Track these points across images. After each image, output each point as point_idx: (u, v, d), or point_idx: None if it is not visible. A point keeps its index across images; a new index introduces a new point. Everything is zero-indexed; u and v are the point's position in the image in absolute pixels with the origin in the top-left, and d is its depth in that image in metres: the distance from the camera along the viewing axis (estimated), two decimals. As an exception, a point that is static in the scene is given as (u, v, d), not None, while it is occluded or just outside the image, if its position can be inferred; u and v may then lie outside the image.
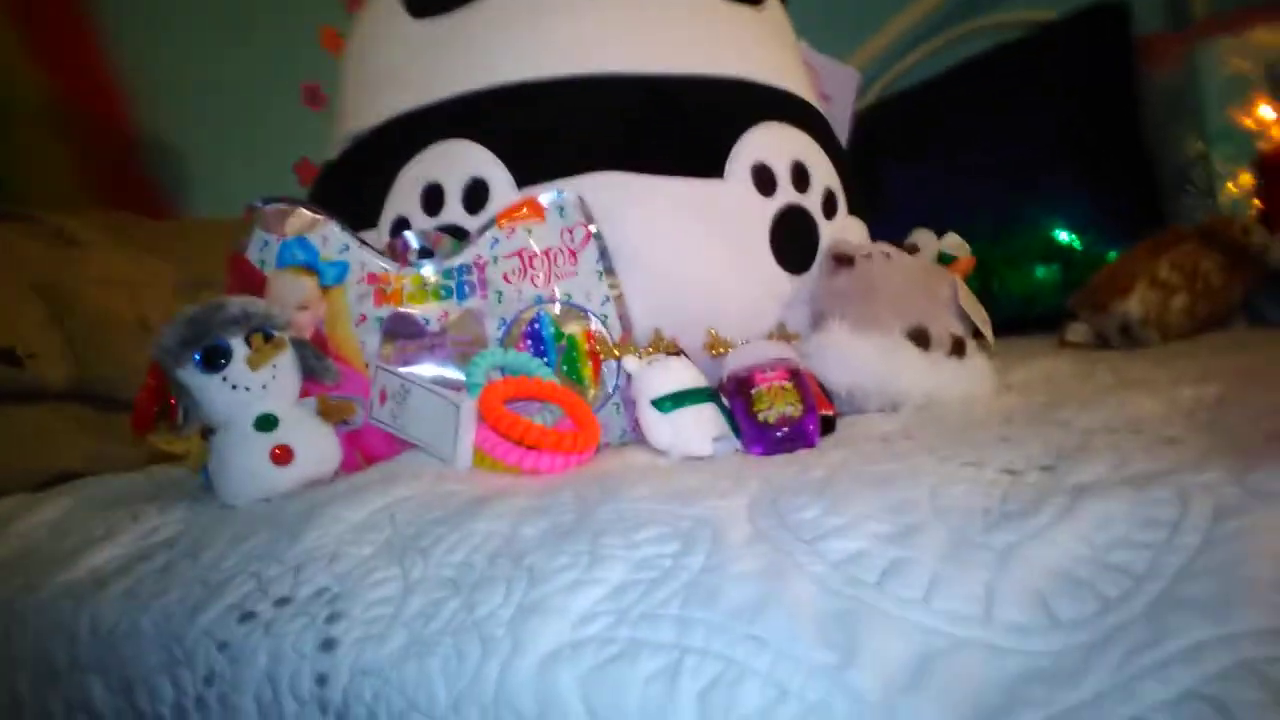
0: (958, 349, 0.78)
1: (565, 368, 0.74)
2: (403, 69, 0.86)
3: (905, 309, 0.78)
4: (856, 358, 0.74)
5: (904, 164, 1.44)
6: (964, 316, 0.80)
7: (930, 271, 0.82)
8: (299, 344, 0.63)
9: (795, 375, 0.70)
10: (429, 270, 0.73)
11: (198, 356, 0.59)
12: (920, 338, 0.76)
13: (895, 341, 0.76)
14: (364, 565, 0.46)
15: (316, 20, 1.81)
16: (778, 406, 0.67)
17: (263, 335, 0.61)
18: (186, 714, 0.42)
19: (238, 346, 0.60)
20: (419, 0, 0.87)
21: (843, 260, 0.80)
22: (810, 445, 0.66)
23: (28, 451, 0.70)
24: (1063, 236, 1.22)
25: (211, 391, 0.60)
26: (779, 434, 0.66)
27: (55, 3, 1.42)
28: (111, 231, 0.92)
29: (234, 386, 0.60)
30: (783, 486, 0.47)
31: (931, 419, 0.68)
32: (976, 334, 0.82)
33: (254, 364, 0.60)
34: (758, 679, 0.31)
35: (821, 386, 0.74)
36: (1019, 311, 1.21)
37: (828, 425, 0.70)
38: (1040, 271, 1.21)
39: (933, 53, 1.61)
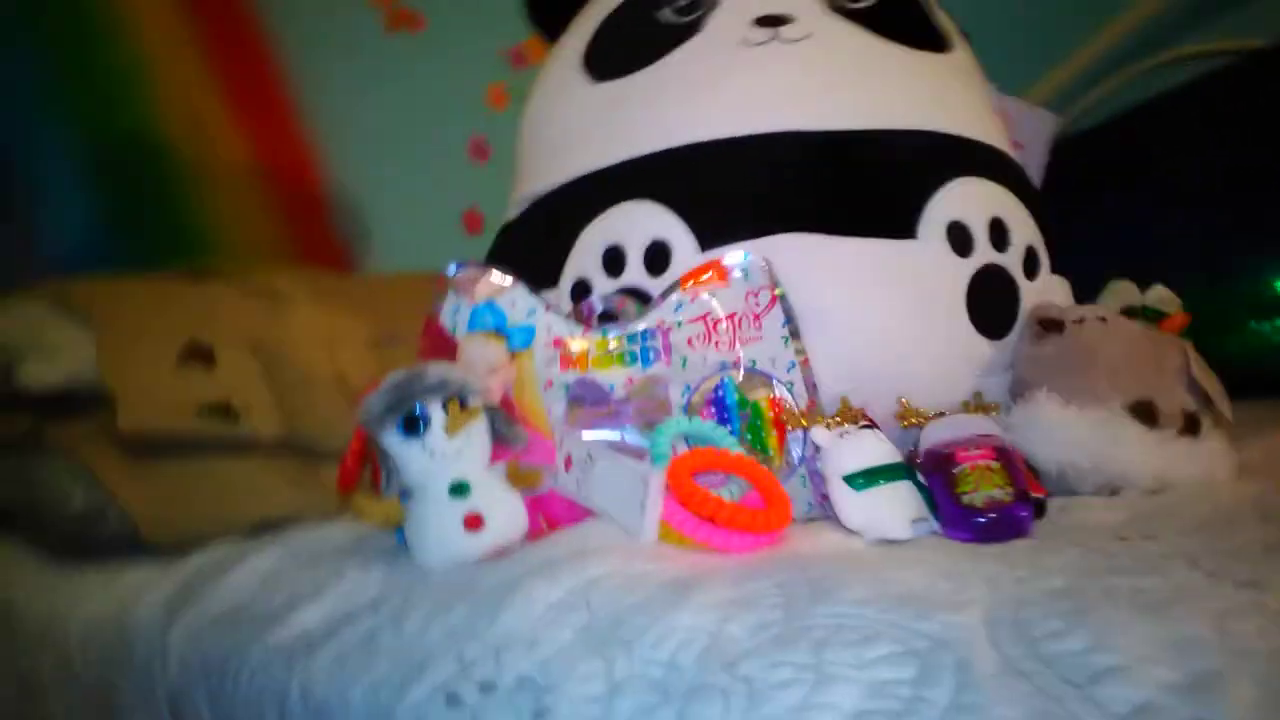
0: (1190, 426, 0.70)
1: (749, 436, 0.72)
2: (582, 131, 0.87)
3: (1127, 380, 0.71)
4: (1069, 433, 0.68)
5: (1094, 208, 1.34)
6: (1196, 389, 0.72)
7: (1156, 339, 0.75)
8: (490, 410, 0.64)
9: (1002, 454, 0.65)
10: (613, 335, 0.72)
11: (400, 423, 0.60)
12: (1146, 413, 0.69)
13: (1115, 415, 0.69)
14: (565, 654, 0.44)
15: (483, 78, 1.90)
16: (984, 489, 0.62)
17: (459, 402, 0.62)
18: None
19: (435, 413, 0.61)
20: (599, 63, 0.88)
21: (1050, 325, 0.74)
22: (1023, 534, 0.60)
23: (239, 500, 0.74)
24: (1289, 288, 1.10)
25: (410, 457, 0.61)
26: (986, 519, 0.60)
27: (254, 66, 1.54)
28: (309, 288, 0.97)
29: (431, 453, 0.60)
30: (1021, 599, 0.42)
31: (1165, 510, 0.61)
32: (1208, 407, 0.73)
33: (451, 430, 0.61)
34: None
35: (1028, 465, 0.68)
36: (1238, 375, 1.09)
37: (1039, 509, 0.64)
38: (1265, 328, 1.08)
39: (1121, 87, 1.50)
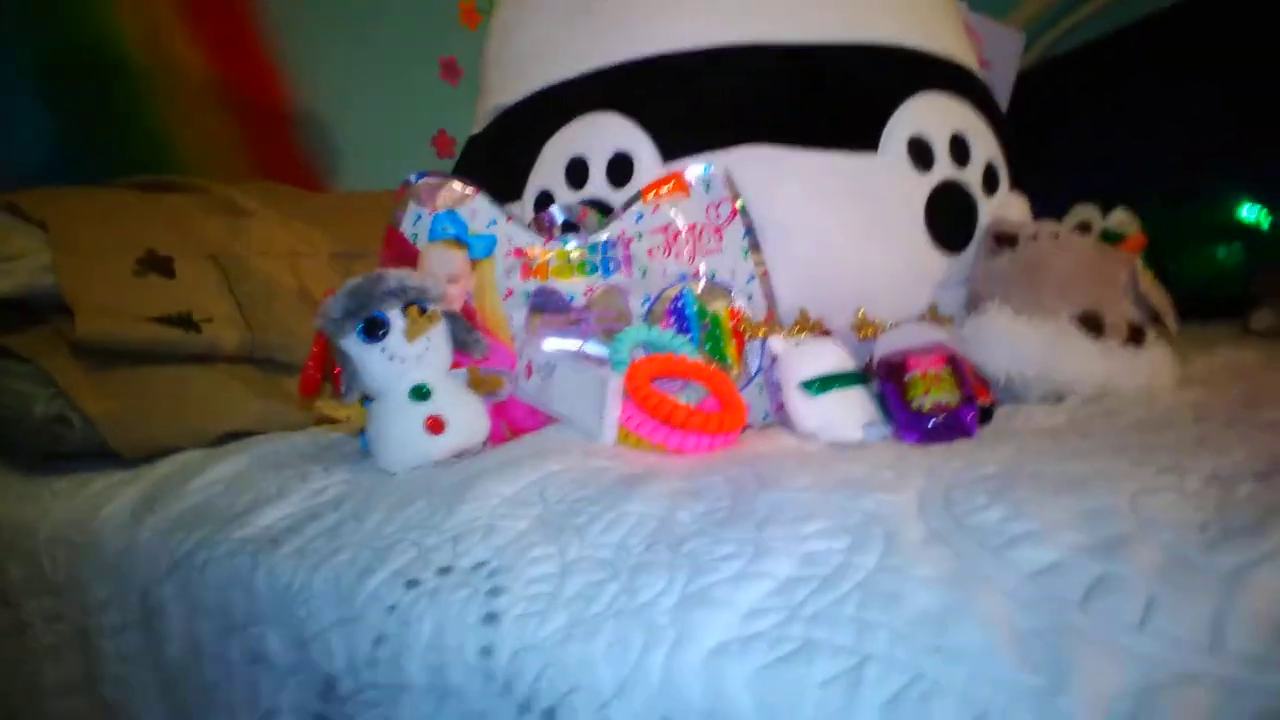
0: (1135, 337, 0.72)
1: (708, 346, 0.73)
2: (547, 43, 0.86)
3: (1075, 293, 0.72)
4: (1018, 343, 0.70)
5: (1065, 132, 1.34)
6: (1143, 303, 0.74)
7: (1105, 253, 0.76)
8: (451, 317, 0.64)
9: (952, 361, 0.66)
10: (574, 245, 0.73)
11: (359, 327, 0.61)
12: (1092, 324, 0.71)
13: (1062, 327, 0.71)
14: (520, 541, 0.46)
15: (453, -6, 1.84)
16: (933, 394, 0.64)
17: (419, 308, 0.62)
18: (358, 671, 0.43)
19: (395, 318, 0.61)
20: (565, -28, 0.86)
21: (1005, 240, 0.75)
22: (968, 436, 0.62)
23: (204, 411, 0.75)
24: (1247, 212, 1.11)
25: (370, 361, 0.61)
26: (934, 423, 0.62)
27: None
28: (272, 203, 0.96)
29: (391, 357, 0.61)
30: (953, 482, 0.44)
31: (1105, 413, 0.64)
32: (1155, 322, 0.76)
33: (410, 335, 0.61)
34: (953, 696, 0.29)
35: (978, 373, 0.70)
36: (1196, 296, 1.11)
37: (985, 415, 0.66)
38: (1221, 251, 1.11)
39: (1097, 11, 1.49)
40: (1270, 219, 1.10)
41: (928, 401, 0.63)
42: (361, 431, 0.66)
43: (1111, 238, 0.96)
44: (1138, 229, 1.00)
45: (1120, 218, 1.02)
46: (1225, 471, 0.42)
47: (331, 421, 0.63)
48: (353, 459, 0.67)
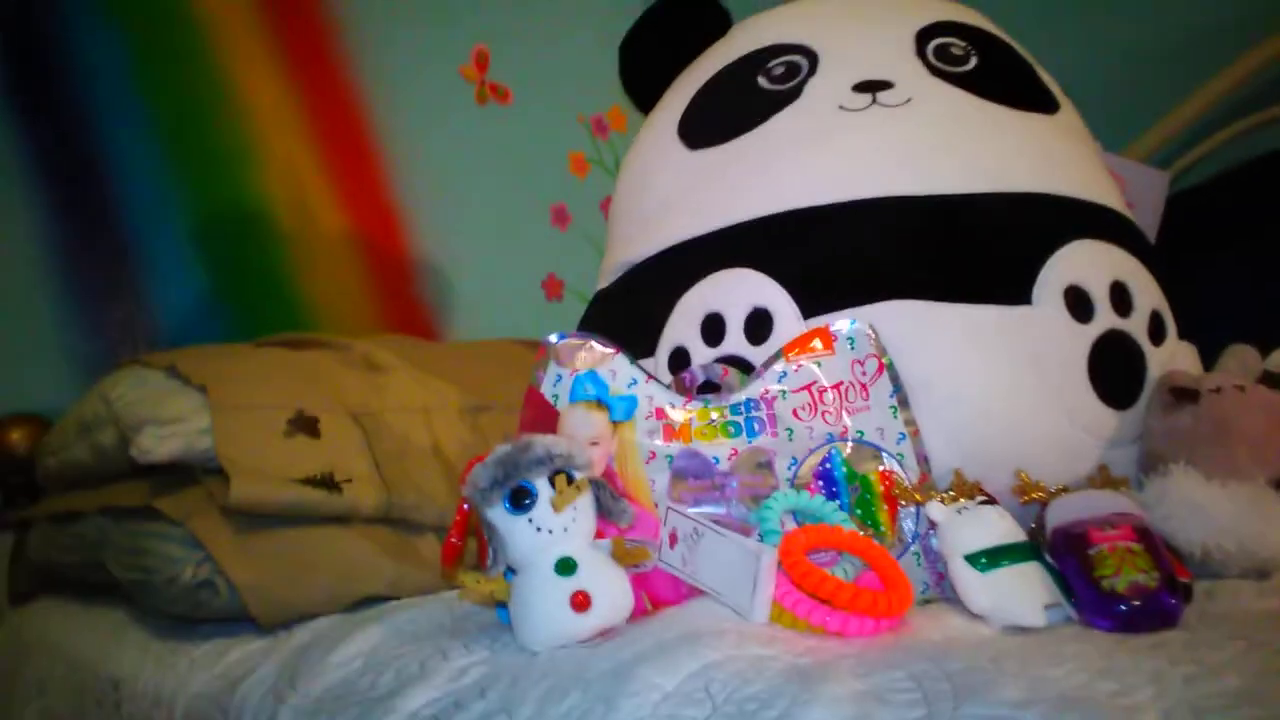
0: (1344, 504, 0.64)
1: (859, 511, 0.69)
2: (678, 198, 0.87)
3: (1270, 453, 0.66)
4: (1213, 511, 0.63)
5: (1203, 270, 1.28)
6: (1349, 464, 0.67)
7: (1300, 409, 0.70)
8: (597, 485, 0.63)
9: (1143, 534, 0.60)
10: (716, 405, 0.71)
11: (506, 497, 0.59)
12: (1294, 489, 0.64)
13: (1260, 491, 0.64)
14: (692, 752, 0.42)
15: (565, 146, 1.94)
16: (1127, 573, 0.58)
17: (566, 476, 0.61)
18: None
19: (542, 488, 0.60)
20: (695, 131, 0.88)
21: (1184, 394, 0.70)
22: (1172, 625, 0.55)
23: (341, 575, 0.74)
24: None
25: (516, 532, 0.60)
26: (1131, 608, 0.56)
27: (352, 138, 1.61)
28: (403, 355, 0.99)
29: (538, 529, 0.59)
30: (1196, 704, 0.38)
31: (1329, 596, 0.56)
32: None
33: (558, 506, 0.59)
34: None
35: (1169, 546, 0.63)
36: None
37: (1186, 595, 0.59)
38: None
39: (1218, 148, 1.45)
40: None
41: (1121, 582, 0.57)
42: (500, 604, 0.64)
43: (1277, 381, 0.88)
44: (1306, 370, 0.92)
45: (1285, 357, 0.94)
46: None
47: (474, 595, 0.60)
48: (491, 632, 0.64)
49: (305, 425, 0.78)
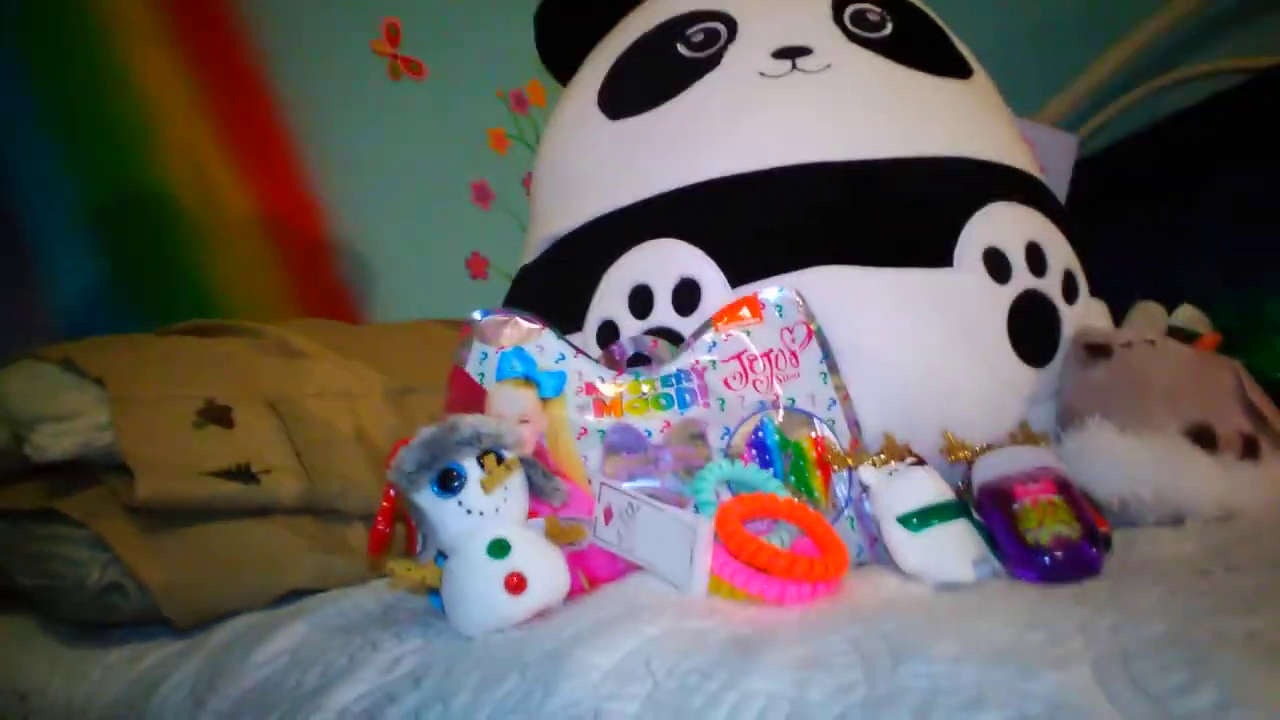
0: (1250, 450, 0.67)
1: (793, 478, 0.69)
2: (601, 169, 0.85)
3: (1183, 404, 0.68)
4: (1130, 462, 0.65)
5: (1111, 230, 1.33)
6: (1253, 411, 0.70)
7: (1206, 359, 0.73)
8: (528, 463, 0.61)
9: (1064, 487, 0.62)
10: (647, 378, 0.70)
11: (434, 480, 0.57)
12: (1204, 437, 0.67)
13: (1174, 442, 0.67)
14: (634, 729, 0.41)
15: (484, 123, 1.90)
16: (1049, 525, 0.59)
17: (495, 456, 0.59)
18: None
19: (471, 469, 0.58)
20: (616, 101, 0.87)
21: (1098, 350, 0.72)
22: (1094, 573, 0.57)
23: (262, 570, 0.71)
24: (1321, 301, 1.07)
25: (446, 516, 0.58)
26: (1054, 559, 0.57)
27: (256, 115, 1.54)
28: (322, 340, 0.95)
29: (468, 511, 0.57)
30: (1126, 649, 0.39)
31: (1238, 539, 0.58)
32: (1266, 432, 0.71)
33: (488, 486, 0.58)
34: None
35: (1089, 498, 0.65)
36: (1272, 394, 1.06)
37: (1106, 545, 0.61)
38: (1296, 347, 1.06)
39: (1126, 109, 1.50)
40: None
41: (1044, 534, 0.59)
42: (432, 591, 0.62)
43: (1184, 335, 0.92)
44: (1209, 325, 0.96)
45: (1189, 313, 0.98)
46: None
47: (405, 583, 0.58)
48: (423, 619, 0.62)
49: (217, 415, 0.74)
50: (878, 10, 0.86)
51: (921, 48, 0.85)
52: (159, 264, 1.41)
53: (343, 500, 0.78)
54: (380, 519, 0.61)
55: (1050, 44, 1.49)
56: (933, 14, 0.91)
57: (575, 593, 0.62)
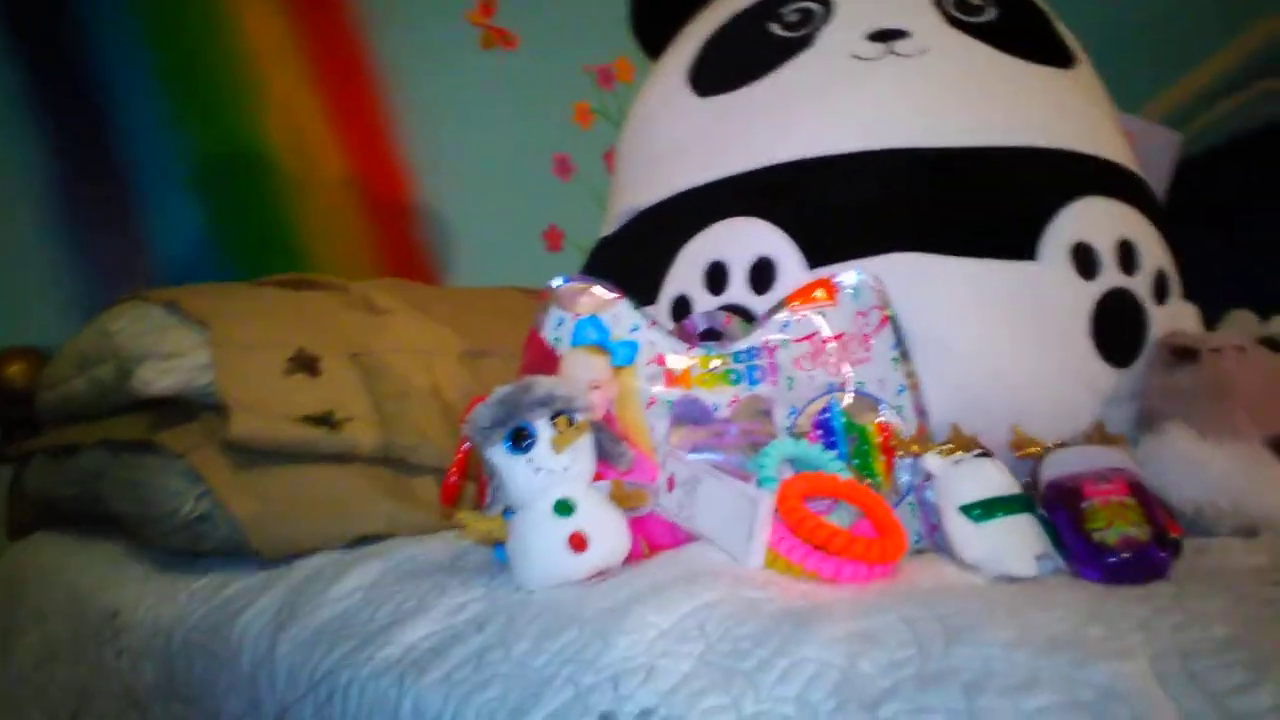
0: (1339, 466, 0.65)
1: (856, 462, 0.69)
2: (686, 145, 0.86)
3: (1267, 414, 0.66)
4: (1209, 469, 0.64)
5: (1207, 235, 1.27)
6: (1345, 427, 0.67)
7: (1299, 371, 0.70)
8: (596, 427, 0.63)
9: (1136, 489, 0.61)
10: (718, 353, 0.71)
11: (507, 437, 0.60)
12: (1288, 450, 0.64)
13: (1256, 452, 0.65)
14: (687, 686, 0.43)
15: (570, 96, 1.92)
16: (1118, 525, 0.58)
17: (567, 418, 0.61)
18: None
19: (543, 428, 0.60)
20: (705, 78, 0.87)
21: (1184, 354, 0.70)
22: (1161, 577, 0.56)
23: (340, 513, 0.75)
24: None
25: (516, 472, 0.60)
26: (1120, 559, 0.57)
27: (353, 79, 1.58)
28: (404, 299, 0.98)
29: (537, 469, 0.60)
30: (1187, 649, 0.39)
31: (1318, 554, 0.57)
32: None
33: (558, 446, 0.60)
34: None
35: (1162, 503, 0.63)
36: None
37: (1176, 550, 0.60)
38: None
39: (1238, 108, 1.43)
40: None
41: (1111, 534, 0.58)
42: (498, 543, 0.64)
43: (1277, 346, 0.88)
44: (1308, 336, 0.92)
45: (1287, 325, 0.94)
46: None
47: (474, 534, 0.61)
48: (488, 571, 0.65)
49: (305, 364, 0.78)
50: (980, -5, 0.84)
51: (1024, 34, 0.83)
52: (256, 218, 1.48)
53: (416, 453, 0.81)
54: (453, 471, 0.63)
55: (1160, 38, 1.43)
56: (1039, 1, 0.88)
57: (634, 557, 0.64)
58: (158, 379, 0.75)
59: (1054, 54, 0.83)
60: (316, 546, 0.73)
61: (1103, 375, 0.72)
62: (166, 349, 0.77)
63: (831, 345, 0.70)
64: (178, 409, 0.79)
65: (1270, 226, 1.28)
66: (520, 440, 0.60)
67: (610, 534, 0.61)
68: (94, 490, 0.83)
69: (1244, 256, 1.25)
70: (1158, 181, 0.97)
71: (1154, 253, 0.75)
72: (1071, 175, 0.75)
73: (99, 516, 0.86)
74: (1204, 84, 1.33)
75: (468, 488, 0.69)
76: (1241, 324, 0.91)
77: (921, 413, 0.71)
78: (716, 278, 0.77)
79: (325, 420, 0.75)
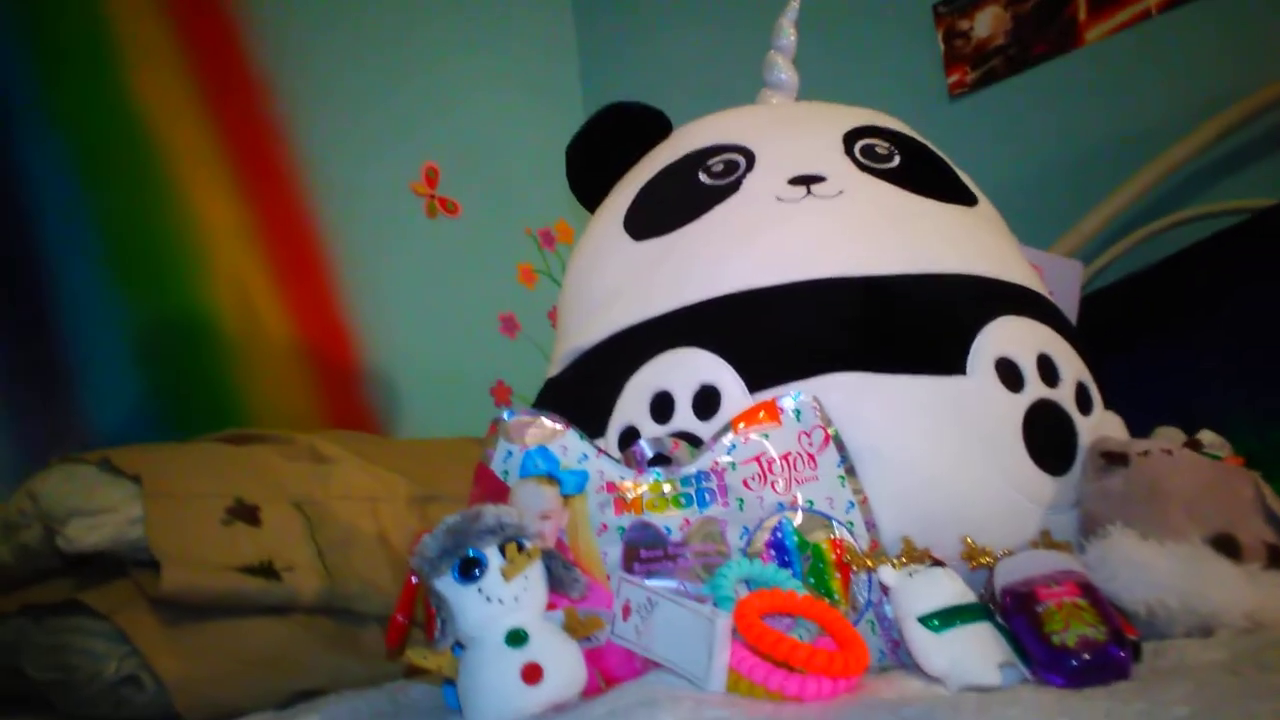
0: (1275, 559, 0.66)
1: (812, 580, 0.69)
2: (624, 286, 0.90)
3: (1204, 512, 0.68)
4: (1154, 569, 0.65)
5: (1123, 359, 1.34)
6: (1274, 521, 0.69)
7: (1225, 469, 0.73)
8: (548, 554, 0.62)
9: (1088, 590, 0.61)
10: (668, 478, 0.71)
11: (455, 567, 0.58)
12: (1227, 546, 0.66)
13: (1197, 550, 0.66)
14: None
15: (514, 258, 2.00)
16: (1075, 628, 0.58)
17: (516, 545, 0.60)
18: None
19: (493, 556, 0.59)
20: (640, 224, 0.92)
21: (1114, 458, 0.72)
22: (1124, 676, 0.56)
23: (277, 668, 0.71)
24: (1342, 429, 1.07)
25: (465, 603, 0.58)
26: (1082, 660, 0.56)
27: (300, 245, 1.63)
28: (351, 449, 0.97)
29: (488, 599, 0.58)
30: (1151, 727, 0.38)
31: (1272, 645, 0.57)
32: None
33: (508, 575, 0.58)
34: None
35: (1115, 606, 0.64)
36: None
37: (1135, 651, 0.60)
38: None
39: (1125, 252, 1.55)
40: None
41: (1070, 636, 0.58)
42: (446, 683, 0.61)
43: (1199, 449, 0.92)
44: (1230, 449, 0.96)
45: (1210, 438, 0.98)
46: None
47: (422, 673, 0.58)
48: (436, 714, 0.61)
49: (244, 513, 0.76)
50: (885, 145, 0.92)
51: (928, 177, 0.90)
52: (198, 385, 1.47)
53: (362, 601, 0.78)
54: (400, 608, 0.61)
55: (1054, 188, 1.57)
56: (937, 149, 0.97)
57: (591, 691, 0.61)
58: (85, 535, 0.72)
59: (957, 193, 0.90)
60: (250, 707, 0.68)
61: (1041, 483, 0.74)
62: (95, 505, 0.75)
63: (778, 465, 0.72)
64: (106, 569, 0.76)
65: (1175, 352, 1.35)
66: (469, 570, 0.58)
67: (566, 664, 0.59)
68: (11, 662, 0.77)
69: (1156, 382, 1.31)
70: (1068, 307, 1.03)
71: (1072, 366, 0.79)
72: (988, 297, 0.80)
73: (12, 695, 0.79)
74: (1095, 229, 1.44)
75: (414, 634, 0.66)
76: (1169, 436, 0.95)
77: (872, 528, 0.71)
78: (662, 407, 0.78)
79: (265, 570, 0.72)
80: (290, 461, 0.89)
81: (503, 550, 0.59)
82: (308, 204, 1.64)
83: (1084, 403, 0.79)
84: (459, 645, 0.59)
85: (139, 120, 1.45)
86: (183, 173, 1.47)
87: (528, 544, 0.61)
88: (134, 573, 0.74)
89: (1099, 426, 0.79)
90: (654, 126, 1.02)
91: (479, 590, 0.58)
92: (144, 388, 1.42)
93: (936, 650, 0.60)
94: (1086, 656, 0.56)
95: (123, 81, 1.44)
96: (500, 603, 0.58)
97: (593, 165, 1.04)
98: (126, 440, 1.31)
